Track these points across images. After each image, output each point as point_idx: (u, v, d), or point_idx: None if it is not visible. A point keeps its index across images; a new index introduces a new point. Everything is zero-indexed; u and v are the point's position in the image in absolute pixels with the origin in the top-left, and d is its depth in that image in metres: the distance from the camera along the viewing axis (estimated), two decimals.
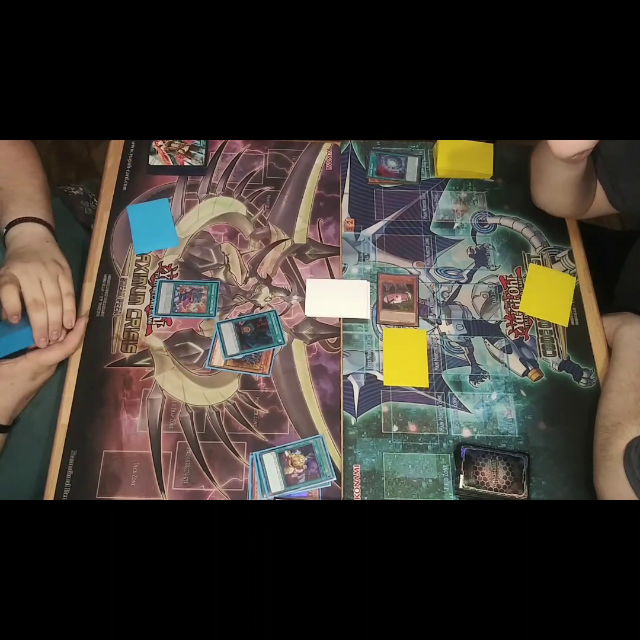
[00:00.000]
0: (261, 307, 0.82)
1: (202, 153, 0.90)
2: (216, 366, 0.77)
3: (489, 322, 0.82)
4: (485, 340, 0.81)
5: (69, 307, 0.72)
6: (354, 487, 0.72)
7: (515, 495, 0.70)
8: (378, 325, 0.81)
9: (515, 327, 0.82)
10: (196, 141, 0.91)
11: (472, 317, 0.82)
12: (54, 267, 0.72)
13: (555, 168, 0.74)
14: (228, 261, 0.85)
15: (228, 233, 0.87)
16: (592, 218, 0.86)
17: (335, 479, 0.71)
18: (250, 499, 0.70)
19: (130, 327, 0.79)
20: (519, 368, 0.79)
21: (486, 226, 0.89)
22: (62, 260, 0.74)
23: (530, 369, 0.79)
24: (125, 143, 0.92)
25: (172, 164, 0.89)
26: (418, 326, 0.81)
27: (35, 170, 0.80)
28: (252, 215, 0.88)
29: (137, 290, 0.82)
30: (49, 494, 0.70)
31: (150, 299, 0.81)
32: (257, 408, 0.76)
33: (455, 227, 0.88)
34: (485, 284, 0.84)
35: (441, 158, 0.90)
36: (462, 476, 0.71)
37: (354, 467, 0.73)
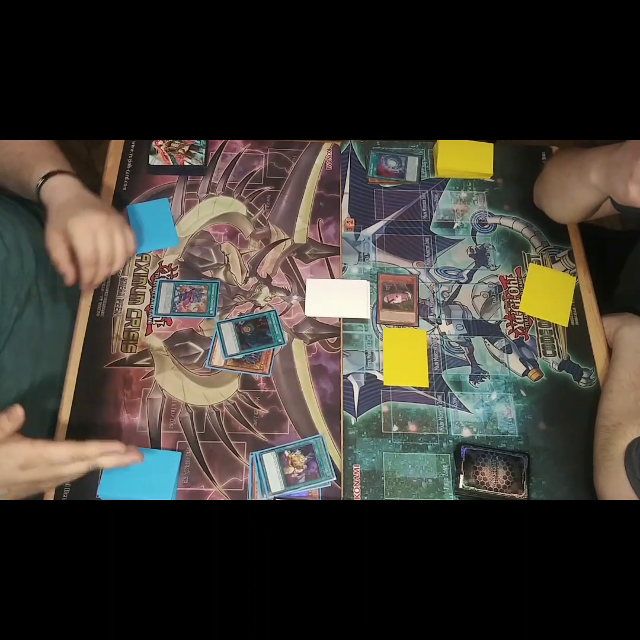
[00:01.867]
0: (261, 307, 0.82)
1: (202, 153, 0.90)
2: (216, 366, 0.77)
3: (489, 322, 0.82)
4: (485, 340, 0.81)
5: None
6: (354, 487, 0.72)
7: (515, 495, 0.70)
8: (378, 325, 0.81)
9: (515, 327, 0.82)
10: (196, 141, 0.91)
11: (472, 317, 0.82)
12: (102, 217, 0.72)
13: (586, 193, 0.73)
14: (228, 261, 0.85)
15: (228, 233, 0.87)
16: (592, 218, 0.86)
17: (335, 478, 0.71)
18: (250, 498, 0.70)
19: (130, 326, 0.79)
20: (519, 368, 0.79)
21: (486, 226, 0.89)
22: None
23: (530, 368, 0.79)
24: (125, 143, 0.92)
25: (172, 163, 0.89)
26: (418, 326, 0.81)
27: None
28: (252, 215, 0.88)
29: (137, 290, 0.82)
30: (49, 494, 0.70)
31: (150, 299, 0.81)
32: (257, 408, 0.76)
33: (455, 227, 0.88)
34: (485, 284, 0.84)
35: (441, 158, 0.90)
36: (462, 476, 0.71)
37: (354, 467, 0.73)
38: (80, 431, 0.73)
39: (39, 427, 0.75)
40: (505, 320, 0.82)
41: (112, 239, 0.71)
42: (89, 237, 0.69)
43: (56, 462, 0.59)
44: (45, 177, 0.73)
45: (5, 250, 0.72)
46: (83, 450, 0.60)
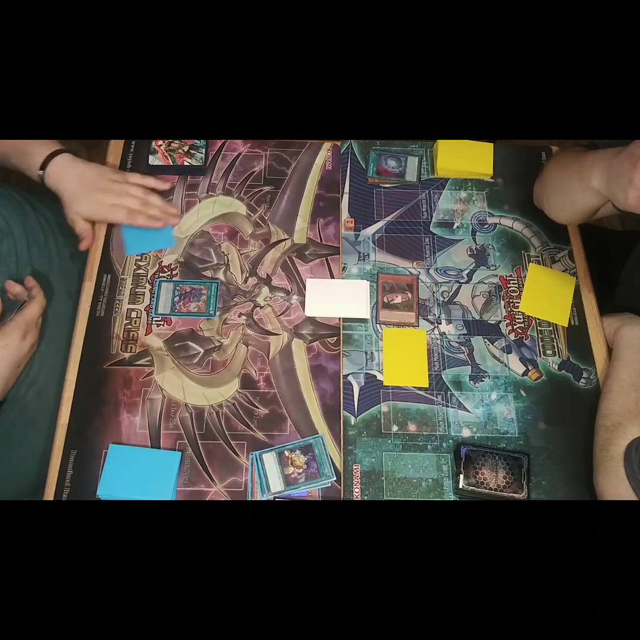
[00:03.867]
0: (261, 307, 0.82)
1: (202, 153, 0.90)
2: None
3: (489, 322, 0.82)
4: (485, 340, 0.81)
5: (156, 201, 0.85)
6: (354, 486, 0.72)
7: (515, 495, 0.70)
8: (378, 325, 0.81)
9: (515, 327, 0.82)
10: (196, 141, 0.91)
11: (472, 317, 0.82)
12: (116, 175, 0.84)
13: (588, 196, 0.72)
14: (228, 261, 0.85)
15: (228, 233, 0.87)
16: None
17: (335, 478, 0.71)
18: (250, 498, 0.70)
19: (130, 326, 0.79)
20: (519, 368, 0.79)
21: (486, 226, 0.89)
22: (111, 170, 0.85)
23: (530, 368, 0.79)
24: (125, 143, 0.92)
25: (172, 163, 0.89)
26: (418, 326, 0.81)
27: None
28: (252, 215, 0.88)
29: (137, 290, 0.82)
30: (49, 494, 0.70)
31: (150, 299, 0.81)
32: (257, 408, 0.76)
33: (455, 227, 0.88)
34: (485, 283, 0.84)
35: (441, 158, 0.90)
36: (461, 476, 0.71)
37: (354, 467, 0.73)
38: (80, 431, 0.73)
39: (43, 413, 0.75)
40: (505, 320, 0.82)
41: (124, 193, 0.82)
42: (107, 210, 0.82)
43: (37, 318, 0.73)
44: (43, 167, 0.79)
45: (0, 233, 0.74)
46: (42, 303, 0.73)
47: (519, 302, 0.83)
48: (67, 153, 0.81)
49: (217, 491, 0.71)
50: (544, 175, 0.83)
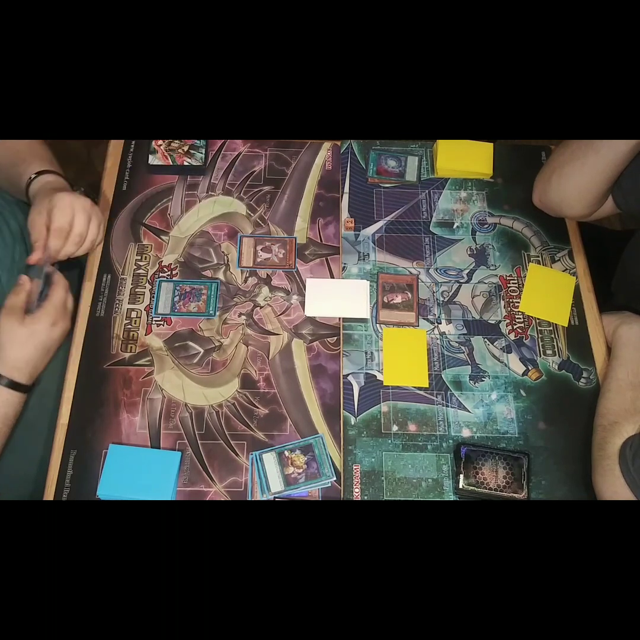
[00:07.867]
0: (261, 307, 0.82)
1: (202, 153, 0.90)
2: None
3: (489, 321, 0.82)
4: (485, 339, 0.81)
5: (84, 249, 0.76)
6: (354, 486, 0.72)
7: (515, 495, 0.70)
8: (378, 324, 0.81)
9: (515, 327, 0.82)
10: (196, 141, 0.91)
11: (472, 317, 0.82)
12: (88, 203, 0.75)
13: (608, 149, 0.72)
14: (228, 261, 0.85)
15: (228, 233, 0.87)
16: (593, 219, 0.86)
17: (335, 478, 0.71)
18: (250, 498, 0.70)
19: (130, 326, 0.79)
20: (519, 368, 0.79)
21: (486, 226, 0.89)
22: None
23: (530, 368, 0.79)
24: (125, 143, 0.92)
25: (172, 163, 0.89)
26: (418, 326, 0.81)
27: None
28: (252, 214, 0.88)
29: (137, 289, 0.82)
30: (49, 494, 0.70)
31: (150, 299, 0.81)
32: (257, 408, 0.76)
33: (455, 226, 0.88)
34: (485, 283, 0.84)
35: (441, 158, 0.90)
36: (461, 476, 0.71)
37: (354, 467, 0.73)
38: (80, 431, 0.73)
39: (43, 417, 0.75)
40: (505, 320, 0.82)
41: (88, 222, 0.74)
42: (68, 211, 0.72)
43: (64, 302, 0.71)
44: (39, 173, 0.76)
45: (11, 237, 0.74)
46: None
47: (519, 302, 0.83)
48: (64, 180, 0.78)
49: (217, 491, 0.71)
50: (551, 157, 0.81)
